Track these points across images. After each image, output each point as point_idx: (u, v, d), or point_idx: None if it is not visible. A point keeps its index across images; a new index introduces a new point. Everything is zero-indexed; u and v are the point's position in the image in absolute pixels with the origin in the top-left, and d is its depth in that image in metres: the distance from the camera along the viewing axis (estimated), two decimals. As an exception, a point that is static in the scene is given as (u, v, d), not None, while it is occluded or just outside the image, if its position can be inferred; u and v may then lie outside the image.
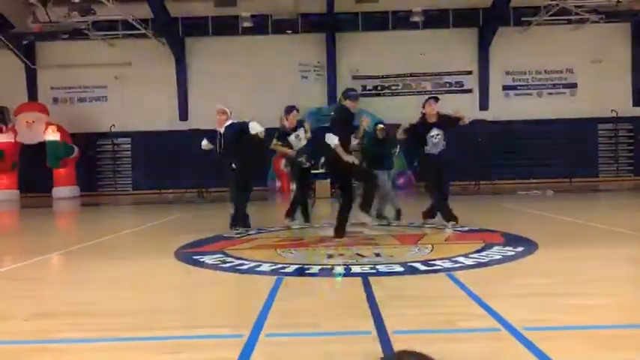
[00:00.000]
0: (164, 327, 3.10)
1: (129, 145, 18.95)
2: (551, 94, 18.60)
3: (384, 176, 7.49)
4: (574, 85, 18.52)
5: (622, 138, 18.47)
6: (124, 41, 17.99)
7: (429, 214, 7.27)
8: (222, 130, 7.26)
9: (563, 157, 17.43)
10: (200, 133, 15.67)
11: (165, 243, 6.44)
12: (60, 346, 2.91)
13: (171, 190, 17.53)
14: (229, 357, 2.56)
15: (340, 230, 6.36)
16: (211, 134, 7.50)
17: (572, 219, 7.96)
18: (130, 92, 18.49)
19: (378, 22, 18.44)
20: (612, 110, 17.93)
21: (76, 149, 17.45)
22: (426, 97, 7.22)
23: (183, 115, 18.78)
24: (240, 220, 7.28)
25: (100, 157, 19.01)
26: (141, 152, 18.55)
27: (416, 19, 17.82)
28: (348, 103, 6.36)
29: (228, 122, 7.28)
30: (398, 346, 2.63)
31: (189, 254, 5.65)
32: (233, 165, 7.13)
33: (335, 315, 3.27)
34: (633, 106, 18.25)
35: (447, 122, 6.84)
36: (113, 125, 18.47)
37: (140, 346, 2.84)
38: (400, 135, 7.18)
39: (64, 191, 17.19)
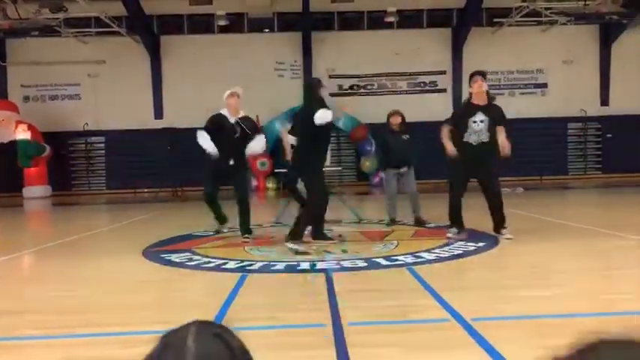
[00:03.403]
0: (123, 323, 3.14)
1: (103, 144, 18.71)
2: (522, 93, 18.95)
3: (393, 174, 7.07)
4: (544, 85, 18.91)
5: (590, 137, 18.92)
6: (97, 39, 17.76)
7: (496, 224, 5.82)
8: (235, 120, 6.22)
9: (533, 156, 17.78)
10: (175, 132, 15.47)
11: (135, 242, 6.43)
12: (20, 343, 2.93)
13: (145, 190, 17.39)
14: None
15: (320, 234, 5.88)
16: (215, 126, 6.26)
17: (539, 215, 8.17)
18: (104, 90, 18.27)
19: (354, 21, 18.57)
20: (581, 110, 18.38)
21: (48, 148, 17.19)
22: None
23: (158, 113, 18.64)
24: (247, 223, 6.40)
25: (72, 156, 18.74)
26: (115, 151, 18.35)
27: (391, 19, 17.99)
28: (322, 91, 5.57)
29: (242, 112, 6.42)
30: (351, 337, 2.73)
31: (157, 253, 5.67)
32: (232, 162, 6.15)
33: (293, 309, 3.36)
34: (601, 105, 18.71)
35: (500, 116, 5.59)
36: (86, 124, 18.24)
37: (98, 342, 2.88)
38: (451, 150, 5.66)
39: (35, 190, 16.93)
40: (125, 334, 2.93)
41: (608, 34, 18.24)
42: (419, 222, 7.04)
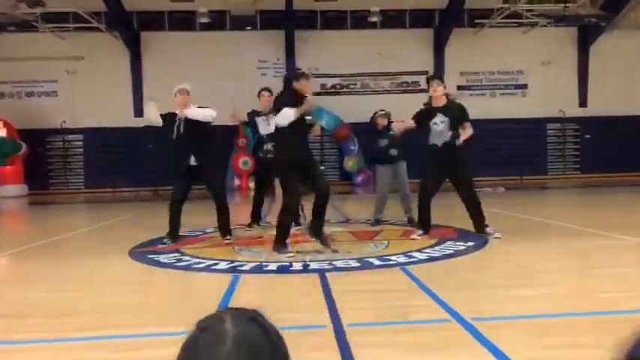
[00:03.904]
0: (117, 326, 3.06)
1: (81, 142, 18.35)
2: (503, 94, 19.18)
3: (386, 172, 6.96)
4: (524, 86, 19.17)
5: (569, 137, 19.25)
6: (75, 34, 17.40)
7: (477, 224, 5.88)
8: (181, 116, 5.86)
9: (514, 156, 18.03)
10: (156, 131, 15.10)
11: (120, 242, 6.30)
12: (6, 348, 2.83)
13: (125, 189, 17.11)
14: (184, 353, 2.56)
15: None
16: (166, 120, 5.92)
17: (522, 215, 8.26)
18: (82, 87, 17.90)
19: (337, 21, 18.56)
20: (560, 111, 18.68)
21: (24, 146, 16.77)
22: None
23: (138, 111, 18.33)
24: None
25: (50, 154, 18.33)
26: (94, 149, 18.00)
27: (374, 18, 18.04)
28: (298, 85, 5.14)
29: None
30: (353, 338, 2.70)
31: (144, 253, 5.56)
32: (192, 161, 5.88)
33: (291, 310, 3.30)
34: (579, 107, 19.06)
35: (459, 112, 5.75)
36: (64, 121, 17.85)
37: (93, 346, 2.80)
38: (398, 129, 6.21)
39: (10, 190, 16.50)
40: (121, 338, 2.85)
41: (587, 37, 18.58)
42: (412, 222, 7.05)
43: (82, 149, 18.32)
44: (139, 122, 17.88)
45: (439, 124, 5.67)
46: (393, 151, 7.01)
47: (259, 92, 7.08)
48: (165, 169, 15.52)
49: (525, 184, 16.62)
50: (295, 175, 5.11)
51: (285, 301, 3.57)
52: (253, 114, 6.97)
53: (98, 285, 4.24)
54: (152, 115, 5.89)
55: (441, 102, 5.77)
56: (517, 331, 2.79)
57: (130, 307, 3.55)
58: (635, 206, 9.68)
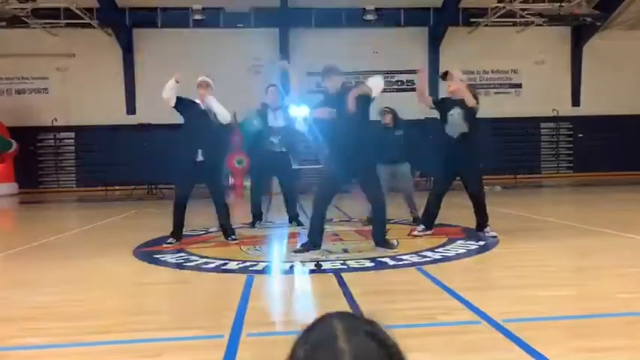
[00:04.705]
0: (137, 329, 2.94)
1: (72, 140, 18.06)
2: (497, 93, 19.21)
3: (384, 172, 6.57)
4: (519, 86, 19.22)
5: (562, 136, 19.34)
6: (67, 31, 17.10)
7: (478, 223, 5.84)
8: (206, 107, 5.82)
9: (509, 154, 18.08)
10: (149, 129, 14.93)
11: (121, 242, 6.16)
12: (24, 353, 2.70)
13: (118, 187, 16.88)
14: (214, 359, 2.46)
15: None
16: (185, 105, 5.84)
17: (523, 213, 8.25)
18: (74, 84, 17.61)
19: (332, 18, 18.44)
20: (554, 110, 18.75)
21: (15, 144, 16.47)
22: None
23: (131, 109, 18.11)
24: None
25: (41, 152, 18.02)
26: (85, 147, 17.74)
27: (369, 17, 17.96)
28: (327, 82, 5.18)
29: None
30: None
31: (148, 253, 5.43)
32: (200, 157, 5.69)
33: (316, 312, 3.20)
34: (572, 106, 19.16)
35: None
36: (55, 119, 17.54)
37: (113, 350, 2.68)
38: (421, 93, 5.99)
39: (0, 188, 16.20)
40: (141, 342, 2.74)
41: (580, 37, 18.67)
42: (417, 221, 6.98)
43: (73, 147, 18.04)
44: (132, 120, 17.72)
45: (455, 115, 5.70)
46: (393, 152, 6.89)
47: (267, 88, 7.10)
48: (160, 167, 15.48)
49: (520, 183, 16.67)
50: None
51: (304, 303, 3.48)
52: (264, 106, 6.92)
53: (108, 286, 4.11)
54: (169, 91, 5.66)
55: (459, 96, 5.72)
56: (553, 333, 2.73)
57: (145, 310, 3.44)
58: (633, 205, 9.71)
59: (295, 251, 5.14)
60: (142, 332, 2.87)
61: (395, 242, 5.35)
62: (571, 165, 19.24)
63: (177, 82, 5.69)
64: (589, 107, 18.83)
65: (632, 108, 19.10)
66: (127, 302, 3.60)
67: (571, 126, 19.15)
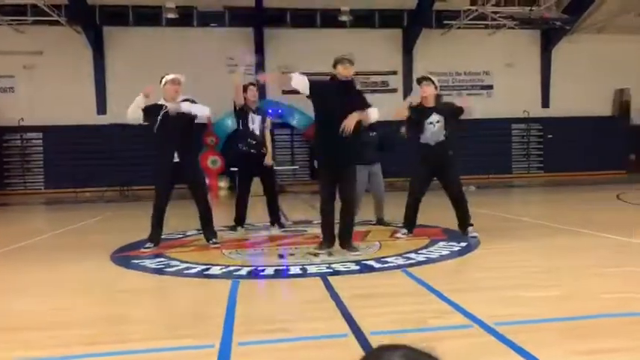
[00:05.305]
0: (124, 340, 2.84)
1: (40, 141, 17.55)
2: (469, 94, 19.48)
3: (363, 173, 6.62)
4: (490, 87, 19.57)
5: (533, 137, 19.79)
6: (34, 28, 16.62)
7: (462, 223, 5.97)
8: (171, 104, 5.61)
9: (480, 155, 18.37)
10: (121, 129, 14.41)
11: (97, 246, 5.99)
12: (4, 368, 2.58)
13: (88, 189, 16.47)
14: (208, 369, 2.39)
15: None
16: (149, 114, 5.61)
17: (498, 213, 8.38)
18: (42, 83, 17.11)
19: (307, 19, 18.41)
20: (524, 111, 19.16)
21: (-22, 144, 15.94)
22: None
23: (102, 108, 17.71)
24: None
25: (7, 152, 17.46)
26: (54, 148, 17.25)
27: (344, 18, 18.00)
28: (338, 68, 5.07)
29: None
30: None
31: (126, 258, 5.29)
32: (176, 158, 5.58)
33: (304, 319, 3.17)
34: (542, 107, 19.62)
35: (451, 112, 5.79)
36: (22, 119, 17.02)
37: (100, 363, 2.59)
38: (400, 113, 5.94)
39: (-36, 190, 15.65)
40: (130, 354, 2.64)
41: (549, 40, 19.13)
42: (381, 224, 7.09)
43: (41, 148, 17.55)
44: (103, 120, 17.32)
45: (435, 124, 5.73)
46: (371, 152, 6.96)
47: (246, 86, 6.91)
48: (133, 169, 15.17)
49: (492, 183, 16.94)
50: None
51: (295, 309, 3.43)
52: (244, 106, 6.79)
53: (89, 293, 3.97)
54: (135, 110, 5.51)
55: (432, 102, 5.82)
56: (546, 335, 2.75)
57: (131, 318, 3.33)
58: (603, 204, 9.97)
59: (310, 253, 5.17)
60: (130, 343, 2.78)
61: (359, 246, 5.34)
62: (541, 165, 19.70)
63: (146, 97, 5.52)
64: (558, 109, 19.31)
65: (600, 109, 19.72)
66: (111, 310, 3.48)
67: (541, 127, 19.60)
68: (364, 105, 5.20)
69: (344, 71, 5.07)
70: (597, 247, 5.27)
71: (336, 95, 5.05)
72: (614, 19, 17.88)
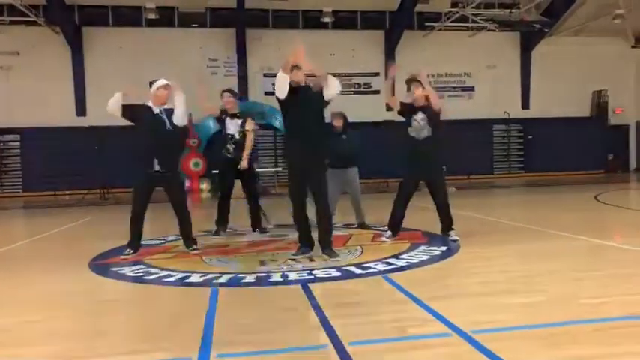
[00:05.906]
0: (103, 354, 2.80)
1: (18, 143, 17.23)
2: (451, 96, 19.63)
3: (333, 176, 6.46)
4: (471, 89, 19.75)
5: (513, 138, 20.02)
6: (11, 28, 16.33)
7: (445, 226, 6.10)
8: (160, 109, 5.63)
9: (461, 156, 18.50)
10: (100, 131, 14.23)
11: (75, 253, 5.90)
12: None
13: (68, 192, 16.22)
14: (184, 384, 2.36)
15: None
16: (134, 116, 5.59)
17: (479, 215, 8.46)
18: (19, 85, 16.80)
19: (289, 20, 18.38)
20: (505, 112, 19.37)
21: (-46, 147, 15.59)
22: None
23: (81, 110, 17.45)
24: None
25: (-18, 155, 17.14)
26: (32, 150, 16.93)
27: (326, 19, 18.01)
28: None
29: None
30: (356, 359, 2.60)
31: (105, 266, 5.22)
32: (157, 167, 5.55)
33: (282, 329, 3.15)
34: (522, 108, 19.86)
35: (434, 113, 5.97)
36: (-2, 121, 16.72)
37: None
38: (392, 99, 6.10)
39: (-61, 194, 15.29)
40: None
41: (529, 42, 19.37)
42: (363, 227, 7.12)
43: (19, 150, 17.23)
44: (82, 122, 17.06)
45: (419, 121, 5.95)
46: (343, 157, 6.99)
47: (221, 93, 6.96)
48: (113, 171, 14.95)
49: (473, 184, 17.09)
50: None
51: (273, 317, 3.40)
52: (223, 112, 6.81)
53: (66, 305, 3.89)
54: (114, 104, 5.41)
55: (422, 102, 6.00)
56: (523, 343, 2.77)
57: (109, 330, 3.28)
58: (581, 205, 10.12)
59: (290, 258, 5.17)
60: (108, 357, 2.73)
61: (340, 251, 5.40)
62: (522, 165, 19.93)
63: (125, 94, 5.49)
64: (538, 110, 19.57)
65: (578, 110, 20.03)
66: (89, 322, 3.43)
67: (521, 128, 19.84)
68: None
69: (294, 77, 5.35)
70: (576, 250, 5.35)
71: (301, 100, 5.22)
72: (591, 21, 18.18)
